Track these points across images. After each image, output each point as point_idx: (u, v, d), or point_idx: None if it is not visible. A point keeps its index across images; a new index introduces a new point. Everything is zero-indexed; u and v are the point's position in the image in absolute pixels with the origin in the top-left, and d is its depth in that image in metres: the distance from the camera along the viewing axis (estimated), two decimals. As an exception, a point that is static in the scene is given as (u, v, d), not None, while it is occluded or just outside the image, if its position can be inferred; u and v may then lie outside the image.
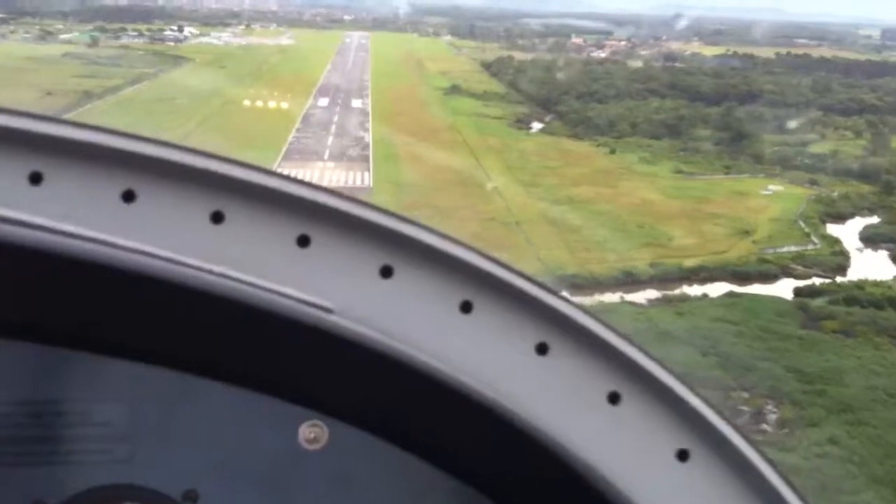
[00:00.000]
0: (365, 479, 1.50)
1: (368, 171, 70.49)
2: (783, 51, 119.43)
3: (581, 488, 1.44)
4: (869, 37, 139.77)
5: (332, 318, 1.34)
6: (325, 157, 73.97)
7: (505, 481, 1.48)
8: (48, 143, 1.31)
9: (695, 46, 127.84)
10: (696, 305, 48.23)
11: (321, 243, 1.42)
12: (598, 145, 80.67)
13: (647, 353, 1.49)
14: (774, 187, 69.65)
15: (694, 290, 51.64)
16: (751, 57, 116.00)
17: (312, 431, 1.43)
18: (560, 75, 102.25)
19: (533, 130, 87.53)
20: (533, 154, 77.15)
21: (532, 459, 1.44)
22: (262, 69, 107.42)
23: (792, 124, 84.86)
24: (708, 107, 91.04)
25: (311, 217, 1.41)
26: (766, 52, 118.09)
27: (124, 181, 1.35)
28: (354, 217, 1.41)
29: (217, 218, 1.38)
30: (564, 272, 51.49)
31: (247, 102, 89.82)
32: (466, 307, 1.46)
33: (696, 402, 1.50)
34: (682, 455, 1.52)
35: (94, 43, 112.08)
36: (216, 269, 1.30)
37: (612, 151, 78.07)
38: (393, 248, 1.43)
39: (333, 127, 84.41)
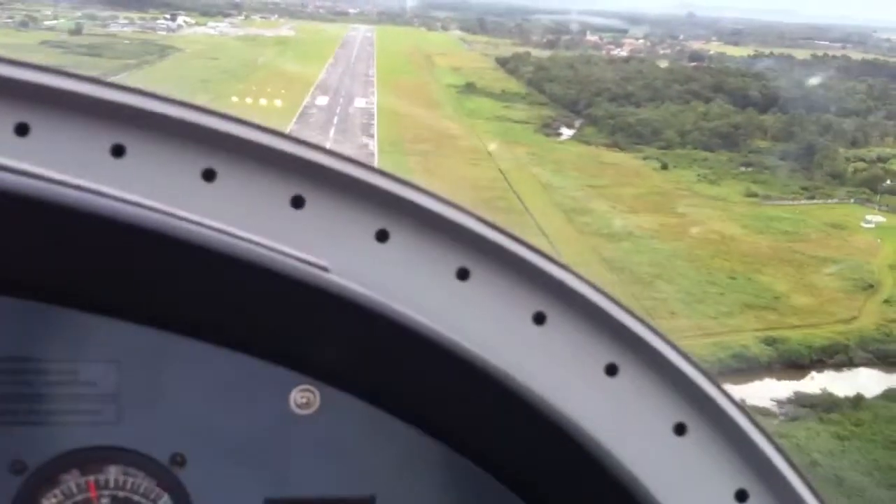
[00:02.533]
0: (356, 445, 1.37)
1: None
2: (819, 52, 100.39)
3: (578, 454, 1.32)
4: (888, 40, 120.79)
5: (329, 276, 1.20)
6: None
7: (496, 448, 1.34)
8: (36, 93, 1.17)
9: (715, 46, 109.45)
10: (855, 416, 29.69)
11: (316, 205, 1.27)
12: (644, 157, 61.69)
13: (647, 325, 1.35)
14: (875, 218, 50.93)
15: (833, 381, 33.04)
16: (788, 58, 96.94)
17: (304, 396, 1.31)
18: (586, 74, 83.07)
19: (563, 137, 68.45)
20: (571, 168, 58.22)
21: (525, 426, 1.30)
22: (258, 62, 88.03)
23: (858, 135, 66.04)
24: (761, 113, 72.01)
25: (306, 177, 1.26)
26: (801, 54, 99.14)
27: (114, 135, 1.21)
28: (351, 178, 1.26)
29: (209, 175, 1.24)
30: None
31: (234, 99, 70.88)
32: (463, 274, 1.32)
33: (694, 373, 1.36)
34: (680, 429, 1.39)
35: (77, 30, 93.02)
36: (208, 222, 1.15)
37: (665, 167, 59.13)
38: (389, 211, 1.29)
39: (332, 130, 65.21)
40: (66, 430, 1.28)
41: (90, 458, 1.30)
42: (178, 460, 1.32)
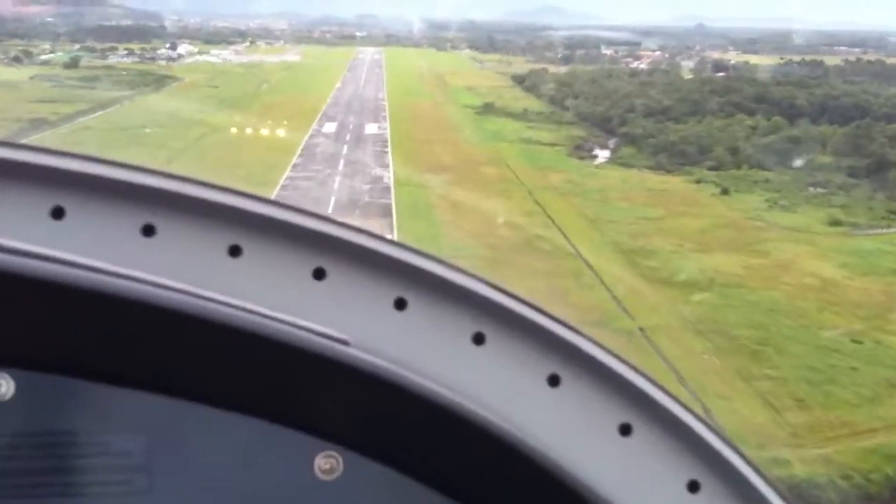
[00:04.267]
0: None
1: (391, 231, 40.26)
2: (851, 58, 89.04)
3: None
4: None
5: (349, 350, 1.22)
6: (330, 208, 43.72)
7: None
8: (69, 178, 1.21)
9: (734, 55, 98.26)
10: None
11: (336, 276, 1.30)
12: (696, 181, 50.40)
13: (658, 386, 1.35)
14: None
15: None
16: (819, 64, 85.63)
17: (328, 462, 1.28)
18: (613, 88, 71.86)
19: (600, 160, 57.28)
20: (617, 197, 47.00)
21: (547, 493, 1.28)
22: (261, 89, 77.30)
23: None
24: (814, 123, 60.72)
25: (327, 250, 1.29)
26: (831, 60, 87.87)
27: (144, 216, 1.25)
28: (369, 250, 1.30)
29: (234, 251, 1.27)
30: (795, 475, 21.59)
31: (233, 130, 60.09)
32: (479, 339, 1.33)
33: (706, 433, 1.35)
34: (693, 486, 1.36)
35: (73, 63, 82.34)
36: (233, 301, 1.18)
37: (725, 192, 47.85)
38: (406, 280, 1.31)
39: (342, 162, 54.19)
40: (99, 501, 1.24)
41: None
42: None
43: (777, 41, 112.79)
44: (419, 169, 51.31)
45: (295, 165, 51.91)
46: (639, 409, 1.34)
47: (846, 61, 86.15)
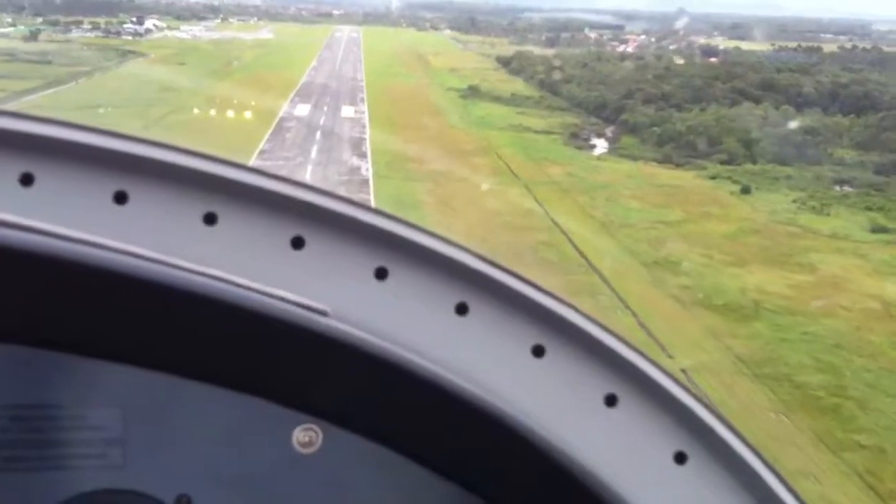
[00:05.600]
0: (359, 483, 1.27)
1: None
2: (847, 45, 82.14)
3: (578, 490, 1.23)
4: (892, 31, 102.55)
5: (327, 321, 1.14)
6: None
7: (500, 484, 1.25)
8: (38, 144, 1.13)
9: (720, 41, 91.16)
10: None
11: (316, 245, 1.21)
12: (711, 177, 43.02)
13: (644, 356, 1.27)
14: None
15: None
16: (816, 51, 78.61)
17: (306, 435, 1.21)
18: (607, 73, 64.29)
19: (600, 151, 49.73)
20: (626, 195, 39.51)
21: (528, 462, 1.22)
22: (231, 67, 68.78)
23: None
24: (826, 114, 53.62)
25: (306, 218, 1.20)
26: (828, 47, 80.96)
27: (116, 182, 1.15)
28: (349, 218, 1.20)
29: (210, 219, 1.18)
30: None
31: (197, 111, 51.89)
32: (462, 309, 1.24)
33: (693, 403, 1.27)
34: (680, 458, 1.29)
35: (31, 37, 73.28)
36: (209, 271, 1.10)
37: (746, 190, 40.50)
38: (388, 249, 1.22)
39: (315, 149, 46.26)
40: (74, 474, 1.18)
41: (99, 501, 1.19)
42: (184, 502, 1.21)
43: (762, 27, 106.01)
44: (401, 158, 43.58)
45: (262, 152, 43.93)
46: (625, 379, 1.25)
47: (842, 48, 79.19)
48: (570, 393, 1.25)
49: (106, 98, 53.35)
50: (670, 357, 24.14)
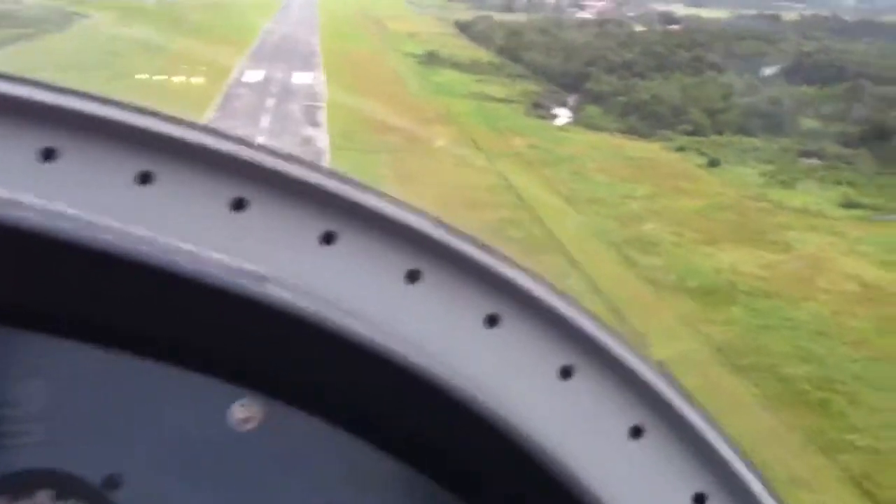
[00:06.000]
0: (302, 462, 1.19)
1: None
2: (807, 13, 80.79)
3: (527, 464, 1.16)
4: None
5: (266, 286, 1.05)
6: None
7: (448, 460, 1.20)
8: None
9: (678, 7, 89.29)
10: None
11: (258, 207, 1.09)
12: (678, 148, 41.24)
13: (602, 325, 1.20)
14: None
15: None
16: (775, 19, 77.17)
17: (245, 411, 1.13)
18: (568, 40, 62.05)
19: (563, 121, 47.62)
20: (593, 168, 37.52)
21: (477, 436, 1.15)
22: (180, 29, 65.02)
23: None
24: (790, 84, 52.14)
25: (248, 178, 1.09)
26: (788, 15, 79.55)
27: (44, 138, 1.04)
28: (296, 179, 1.09)
29: (144, 178, 1.06)
30: None
31: (141, 76, 48.55)
32: (413, 276, 1.14)
33: (651, 376, 1.20)
34: (636, 432, 1.22)
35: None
36: (136, 231, 1.02)
37: (714, 163, 38.80)
38: (336, 212, 1.11)
39: (267, 118, 43.46)
40: None
41: (19, 483, 1.09)
42: (113, 481, 1.12)
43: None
44: (358, 128, 41.07)
45: (210, 122, 40.95)
46: (581, 350, 1.18)
47: (802, 16, 77.83)
48: (524, 365, 1.17)
49: (45, 63, 49.77)
50: (645, 346, 22.33)
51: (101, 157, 1.04)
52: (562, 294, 1.17)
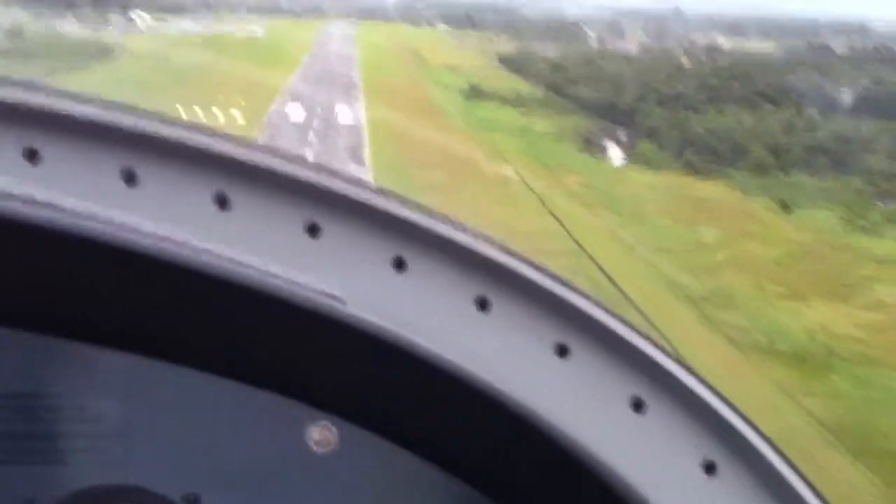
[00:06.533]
0: (377, 485, 1.19)
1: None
2: (856, 43, 77.30)
3: (601, 495, 1.15)
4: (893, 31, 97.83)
5: (345, 308, 1.06)
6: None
7: (522, 487, 1.18)
8: (45, 119, 1.03)
9: (722, 39, 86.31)
10: None
11: (331, 232, 1.11)
12: (744, 190, 38.17)
13: (673, 358, 1.19)
14: None
15: None
16: (826, 50, 73.78)
17: (321, 433, 1.13)
18: (615, 72, 59.23)
19: (617, 158, 44.70)
20: (655, 211, 34.45)
21: (551, 465, 1.15)
22: (218, 62, 63.33)
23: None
24: (853, 118, 48.74)
25: (322, 204, 1.10)
26: (838, 47, 76.07)
27: (125, 160, 1.05)
28: (366, 205, 1.10)
29: (222, 202, 1.08)
30: None
31: (179, 107, 46.51)
32: (483, 303, 1.14)
33: (724, 410, 1.18)
34: (709, 467, 1.19)
35: (15, 32, 67.41)
36: (219, 251, 1.03)
37: (785, 206, 35.70)
38: (406, 238, 1.12)
39: (309, 153, 41.10)
40: (76, 468, 1.10)
41: (101, 498, 1.11)
42: (192, 499, 1.13)
43: (759, 27, 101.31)
44: (402, 164, 38.48)
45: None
46: (652, 382, 1.16)
47: (851, 48, 74.38)
48: (595, 395, 1.15)
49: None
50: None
51: (180, 180, 1.04)
52: (631, 325, 1.14)
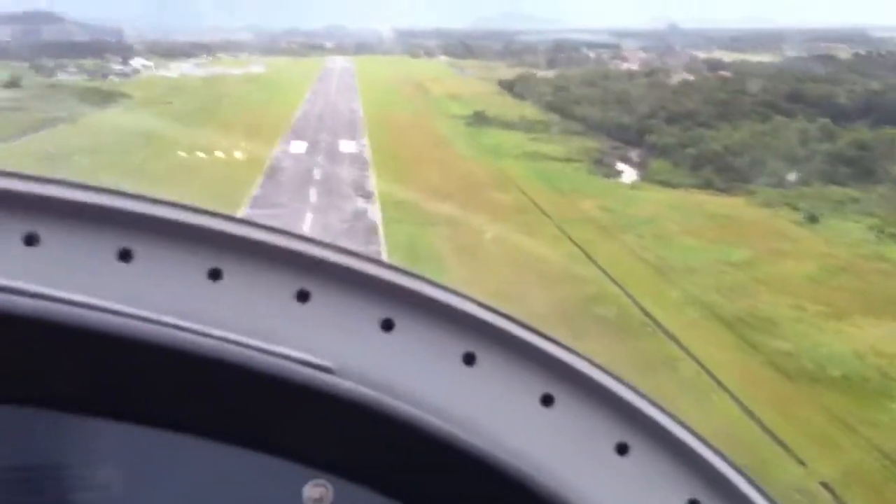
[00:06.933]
0: None
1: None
2: (861, 51, 75.84)
3: None
4: (893, 38, 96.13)
5: (332, 378, 1.11)
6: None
7: None
8: (43, 203, 1.10)
9: (722, 54, 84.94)
10: None
11: (320, 298, 1.18)
12: (767, 204, 36.27)
13: (654, 403, 1.23)
14: None
15: None
16: (831, 58, 72.26)
17: (317, 490, 1.15)
18: (620, 91, 57.66)
19: (630, 178, 42.90)
20: (677, 231, 32.56)
21: None
22: (220, 105, 62.14)
23: None
24: (870, 126, 46.91)
25: (310, 271, 1.17)
26: (843, 54, 74.64)
27: (121, 240, 1.13)
28: (353, 270, 1.18)
29: (214, 275, 1.15)
30: None
31: (182, 154, 45.12)
32: (469, 359, 1.20)
33: (706, 451, 1.23)
34: None
35: (13, 83, 66.72)
36: (214, 332, 1.08)
37: (813, 218, 33.77)
38: (393, 300, 1.19)
39: (313, 193, 39.49)
40: None
41: None
42: None
43: (758, 40, 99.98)
44: (409, 197, 36.72)
45: (255, 199, 37.10)
46: (635, 427, 1.22)
47: (856, 55, 72.86)
48: (581, 442, 1.20)
49: (85, 144, 46.66)
50: (802, 464, 17.17)
51: (174, 257, 1.10)
52: (612, 373, 1.18)
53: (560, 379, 1.19)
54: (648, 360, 21.57)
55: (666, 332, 23.80)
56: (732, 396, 19.93)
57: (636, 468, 1.21)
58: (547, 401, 1.20)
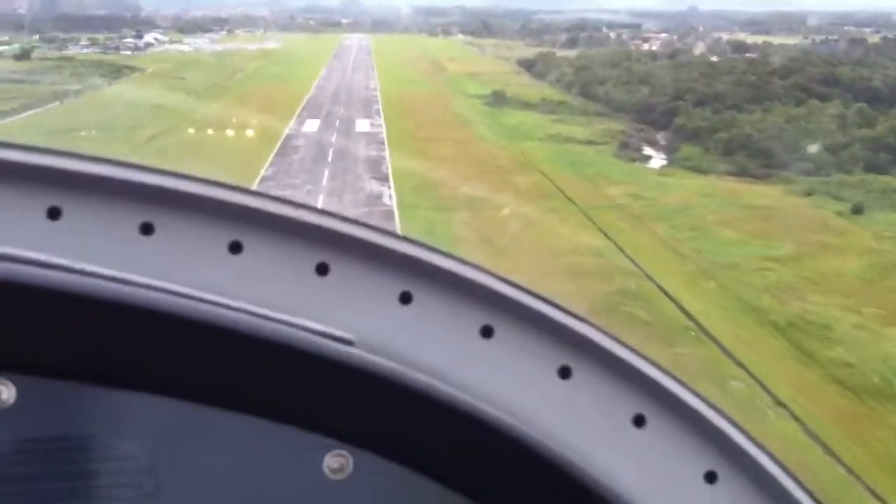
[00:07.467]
0: None
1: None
2: (889, 34, 72.23)
3: None
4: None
5: (352, 350, 1.11)
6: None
7: None
8: (66, 177, 1.11)
9: (744, 36, 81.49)
10: None
11: (340, 271, 1.17)
12: (807, 193, 33.48)
13: (672, 376, 1.22)
14: None
15: None
16: (861, 42, 68.81)
17: (337, 461, 1.15)
18: (645, 72, 54.62)
19: (659, 163, 40.06)
20: (714, 221, 29.83)
21: (557, 487, 1.17)
22: (233, 80, 59.58)
23: None
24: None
25: (330, 245, 1.17)
26: (871, 38, 71.14)
27: (142, 214, 1.13)
28: (372, 244, 1.17)
29: (235, 248, 1.15)
30: None
31: (192, 131, 42.67)
32: (487, 332, 1.20)
33: (723, 423, 1.23)
34: (710, 477, 1.23)
35: (24, 55, 64.31)
36: (234, 304, 1.08)
37: (858, 210, 30.99)
38: (412, 273, 1.18)
39: (326, 173, 36.95)
40: (109, 501, 1.15)
41: None
42: None
43: (780, 22, 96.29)
44: (428, 181, 34.16)
45: (264, 180, 34.61)
46: (652, 399, 1.21)
47: (885, 38, 69.33)
48: (598, 413, 1.20)
49: (92, 119, 44.25)
50: (882, 500, 14.61)
51: (195, 230, 1.11)
52: (629, 345, 1.18)
53: (577, 351, 1.18)
54: (691, 366, 18.99)
55: (709, 335, 21.21)
56: (791, 413, 17.37)
57: (653, 440, 1.19)
58: (564, 373, 1.18)
